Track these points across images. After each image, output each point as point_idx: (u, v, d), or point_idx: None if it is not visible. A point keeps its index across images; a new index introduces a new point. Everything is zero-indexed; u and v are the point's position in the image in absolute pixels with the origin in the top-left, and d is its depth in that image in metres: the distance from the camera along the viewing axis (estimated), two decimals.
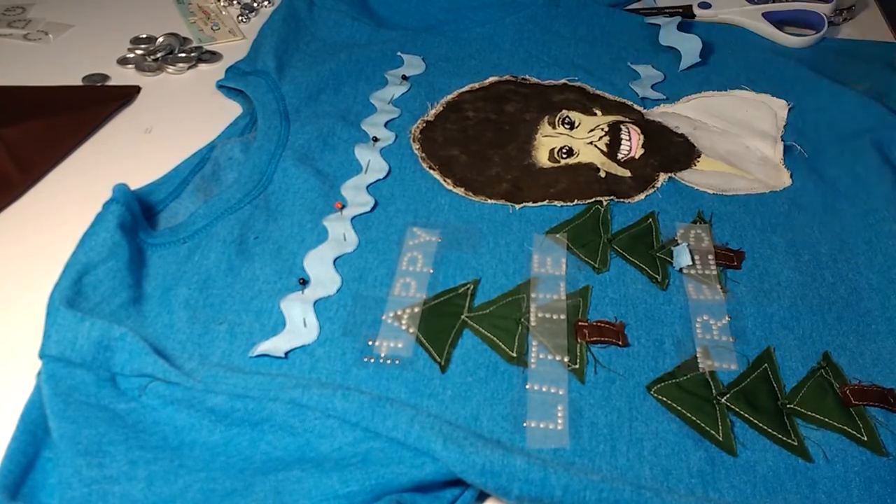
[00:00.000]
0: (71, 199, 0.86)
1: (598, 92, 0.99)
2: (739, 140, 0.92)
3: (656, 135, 0.92)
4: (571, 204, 0.83)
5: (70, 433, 0.58)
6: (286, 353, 0.68)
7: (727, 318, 0.71)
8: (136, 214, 0.76)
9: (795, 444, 0.62)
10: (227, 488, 0.57)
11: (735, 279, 0.75)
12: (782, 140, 0.91)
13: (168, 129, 0.97)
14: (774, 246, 0.79)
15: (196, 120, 0.97)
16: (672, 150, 0.90)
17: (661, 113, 0.97)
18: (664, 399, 0.65)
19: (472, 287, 0.74)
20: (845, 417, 0.64)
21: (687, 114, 0.96)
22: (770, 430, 0.63)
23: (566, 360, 0.67)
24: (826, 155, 0.90)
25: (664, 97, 0.99)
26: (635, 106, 0.97)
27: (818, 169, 0.88)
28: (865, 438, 0.62)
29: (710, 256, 0.77)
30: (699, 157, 0.89)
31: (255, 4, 1.22)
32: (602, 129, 0.91)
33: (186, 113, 1.00)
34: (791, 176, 0.87)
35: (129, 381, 0.63)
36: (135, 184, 0.81)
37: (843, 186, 0.85)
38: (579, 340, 0.69)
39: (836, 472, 0.60)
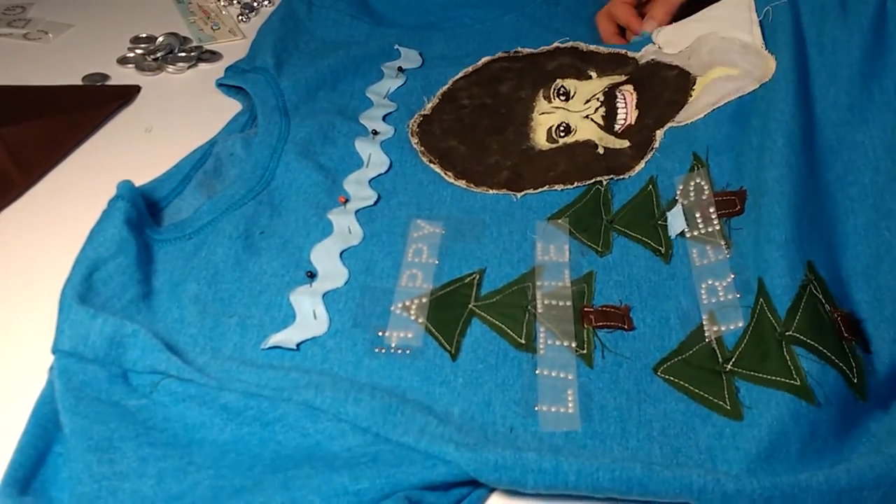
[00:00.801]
0: (71, 199, 0.86)
1: (592, 48, 0.98)
2: (714, 35, 0.89)
3: (650, 81, 0.90)
4: (572, 186, 0.83)
5: (81, 429, 0.58)
6: (298, 345, 0.68)
7: (731, 276, 0.70)
8: (142, 211, 0.76)
9: (798, 383, 0.61)
10: (235, 485, 0.57)
11: (738, 226, 0.74)
12: (758, 19, 0.87)
13: (168, 129, 0.97)
14: (768, 168, 0.74)
15: (196, 119, 0.97)
16: (667, 94, 0.88)
17: (654, 51, 0.94)
18: (671, 378, 0.65)
19: (477, 277, 0.74)
20: (842, 353, 0.63)
21: (671, 49, 0.93)
22: (774, 377, 0.62)
23: (574, 345, 0.68)
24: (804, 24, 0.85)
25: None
26: (629, 54, 0.95)
27: (799, 43, 0.83)
28: (856, 381, 0.62)
29: (712, 209, 0.75)
30: (694, 84, 0.87)
31: (255, 4, 1.22)
32: (598, 100, 0.90)
33: (186, 112, 1.00)
34: (776, 59, 0.82)
35: (140, 378, 0.63)
36: (136, 183, 0.81)
37: (825, 69, 0.81)
38: (586, 326, 0.69)
39: (831, 415, 0.60)
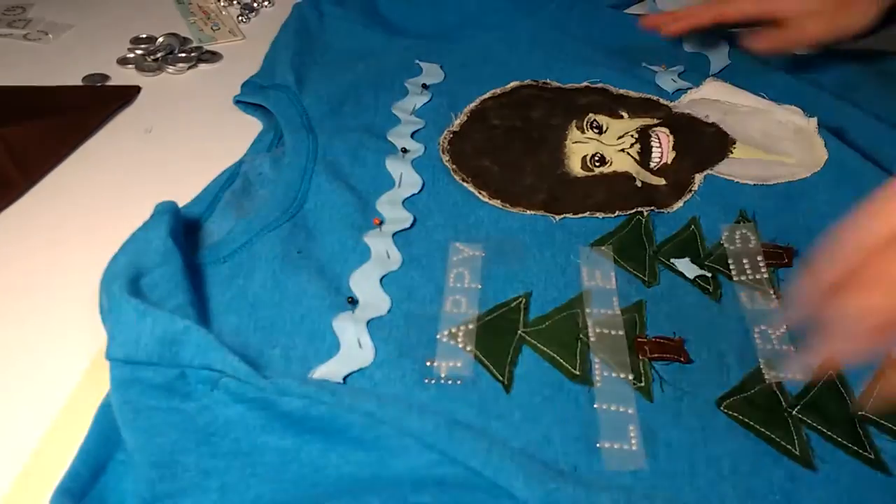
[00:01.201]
0: (71, 200, 0.86)
1: (622, 91, 0.98)
2: (770, 117, 0.91)
3: (686, 130, 0.90)
4: (613, 215, 0.82)
5: (141, 444, 0.57)
6: (345, 378, 0.66)
7: (785, 328, 0.71)
8: (180, 231, 0.74)
9: (872, 457, 0.62)
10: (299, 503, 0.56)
11: (788, 279, 0.74)
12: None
13: (168, 130, 0.97)
14: (823, 233, 0.73)
15: (197, 120, 0.97)
16: (705, 143, 0.88)
17: (689, 102, 0.95)
18: (735, 415, 0.65)
19: (524, 301, 0.73)
20: None
21: (716, 97, 0.95)
22: (844, 442, 0.63)
23: (631, 377, 0.67)
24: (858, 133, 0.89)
25: (690, 85, 0.99)
26: (661, 101, 0.96)
27: (851, 139, 0.87)
28: None
29: (759, 258, 0.76)
30: (734, 144, 0.88)
31: (255, 4, 1.21)
32: (632, 136, 0.90)
33: (187, 113, 1.00)
34: (826, 145, 0.85)
35: (198, 375, 0.60)
36: (136, 184, 0.83)
37: (882, 157, 0.85)
38: (641, 357, 0.68)
39: None
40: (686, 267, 0.77)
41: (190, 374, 0.60)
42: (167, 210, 0.73)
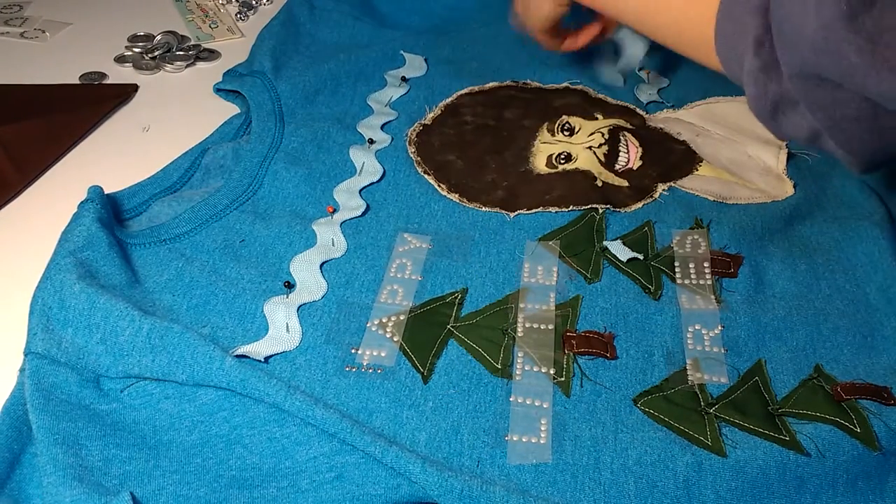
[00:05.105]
0: (68, 198, 0.86)
1: (601, 96, 1.00)
2: (741, 148, 0.92)
3: (656, 144, 0.92)
4: (567, 210, 0.83)
5: (48, 425, 0.60)
6: (266, 359, 0.69)
7: (720, 328, 0.71)
8: (111, 215, 0.78)
9: (787, 438, 0.62)
10: (200, 497, 0.59)
11: (730, 289, 0.75)
12: (787, 148, 0.91)
13: (166, 128, 0.99)
14: (771, 255, 0.79)
15: (194, 118, 0.99)
16: (672, 158, 0.90)
17: (663, 118, 0.97)
18: (651, 411, 0.65)
19: (459, 296, 0.75)
20: (837, 410, 0.64)
21: (690, 120, 0.97)
22: (761, 430, 0.63)
23: (552, 372, 0.68)
24: (831, 165, 0.88)
25: (669, 104, 1.00)
26: (638, 110, 0.98)
27: (822, 179, 0.88)
28: (859, 430, 0.62)
29: (706, 264, 0.77)
30: (700, 163, 0.90)
31: (254, 2, 1.25)
32: (602, 135, 0.91)
33: (184, 111, 1.02)
34: (794, 186, 0.86)
35: (112, 382, 0.65)
36: (132, 182, 0.84)
37: (846, 197, 0.85)
38: (566, 352, 0.69)
39: (825, 468, 0.60)
40: (618, 249, 0.78)
41: (104, 381, 0.65)
42: (93, 198, 0.77)
